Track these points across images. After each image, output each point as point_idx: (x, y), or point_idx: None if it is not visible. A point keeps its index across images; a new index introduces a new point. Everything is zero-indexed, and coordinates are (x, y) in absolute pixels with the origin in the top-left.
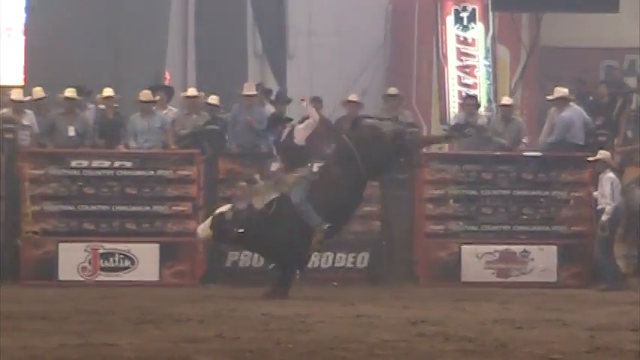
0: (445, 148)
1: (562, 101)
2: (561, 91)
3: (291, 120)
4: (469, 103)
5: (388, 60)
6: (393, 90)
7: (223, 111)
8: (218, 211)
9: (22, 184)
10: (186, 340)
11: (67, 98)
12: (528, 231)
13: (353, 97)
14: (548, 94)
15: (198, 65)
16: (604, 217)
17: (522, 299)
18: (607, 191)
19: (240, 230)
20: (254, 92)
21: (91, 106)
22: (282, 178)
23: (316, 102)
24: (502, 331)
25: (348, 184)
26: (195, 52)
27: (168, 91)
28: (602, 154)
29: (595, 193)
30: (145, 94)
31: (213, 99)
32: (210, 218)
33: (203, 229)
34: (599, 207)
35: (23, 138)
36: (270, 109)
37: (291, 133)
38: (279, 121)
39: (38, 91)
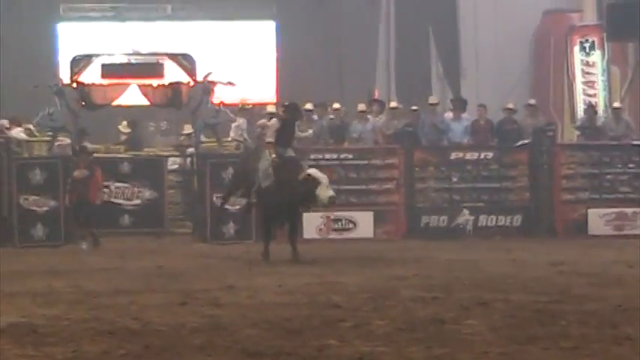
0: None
1: None
2: None
3: None
4: (589, 111)
5: (533, 77)
6: (532, 101)
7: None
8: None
9: None
10: (393, 278)
11: (307, 110)
12: None
13: (510, 106)
14: None
15: (398, 84)
16: None
17: None
18: None
19: None
20: (437, 102)
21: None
22: None
23: (482, 107)
24: None
25: None
26: (395, 74)
27: (381, 104)
28: None
29: None
30: (362, 106)
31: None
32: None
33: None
34: None
35: None
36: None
37: None
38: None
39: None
